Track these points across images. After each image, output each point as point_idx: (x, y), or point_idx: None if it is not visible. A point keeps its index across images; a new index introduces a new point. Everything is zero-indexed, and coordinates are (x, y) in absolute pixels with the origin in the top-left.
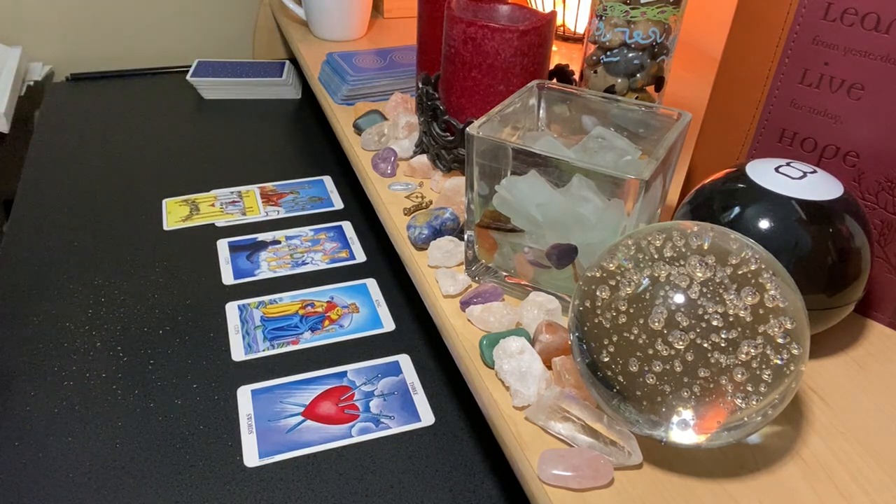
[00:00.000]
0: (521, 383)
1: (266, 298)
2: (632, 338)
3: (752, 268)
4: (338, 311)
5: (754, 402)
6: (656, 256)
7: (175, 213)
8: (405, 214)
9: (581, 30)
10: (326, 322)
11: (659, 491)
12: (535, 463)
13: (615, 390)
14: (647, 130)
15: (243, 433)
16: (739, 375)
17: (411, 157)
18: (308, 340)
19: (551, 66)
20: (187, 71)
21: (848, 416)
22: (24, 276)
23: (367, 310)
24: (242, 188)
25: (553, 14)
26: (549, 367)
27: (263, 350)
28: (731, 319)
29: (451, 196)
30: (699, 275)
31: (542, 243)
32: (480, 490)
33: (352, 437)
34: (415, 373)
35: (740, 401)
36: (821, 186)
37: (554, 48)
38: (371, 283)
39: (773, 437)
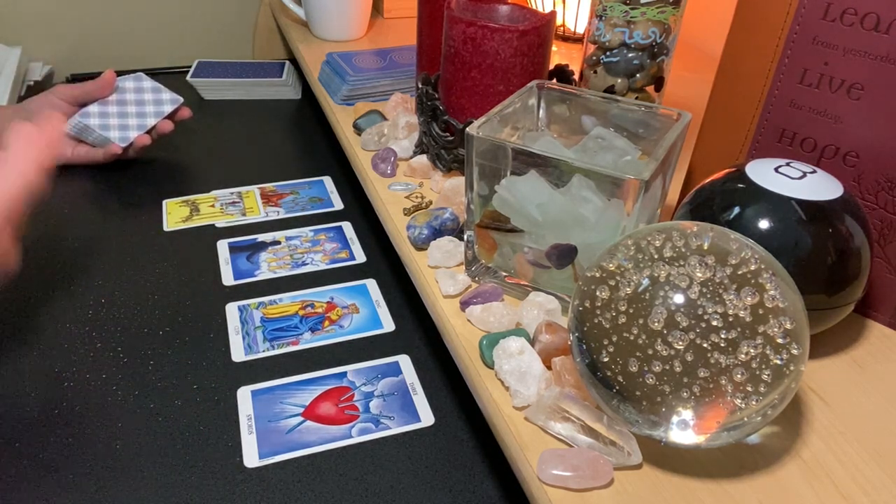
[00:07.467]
0: (520, 383)
1: (266, 299)
2: (631, 338)
3: (752, 268)
4: (338, 312)
5: (754, 403)
6: (656, 256)
7: (175, 214)
8: (405, 214)
9: (581, 30)
10: (326, 322)
11: (658, 491)
12: (535, 463)
13: (615, 390)
14: (647, 130)
15: (243, 434)
16: (739, 375)
17: (411, 157)
18: (308, 341)
19: (551, 66)
20: (187, 71)
21: (848, 416)
22: (24, 276)
23: (366, 310)
24: (242, 189)
25: (553, 14)
26: (549, 368)
27: (263, 351)
28: (730, 319)
29: (451, 196)
30: (699, 275)
31: (542, 243)
32: (480, 490)
33: (352, 437)
34: (415, 373)
35: (740, 401)
36: (820, 186)
37: (554, 48)
38: (371, 284)
39: (772, 437)
